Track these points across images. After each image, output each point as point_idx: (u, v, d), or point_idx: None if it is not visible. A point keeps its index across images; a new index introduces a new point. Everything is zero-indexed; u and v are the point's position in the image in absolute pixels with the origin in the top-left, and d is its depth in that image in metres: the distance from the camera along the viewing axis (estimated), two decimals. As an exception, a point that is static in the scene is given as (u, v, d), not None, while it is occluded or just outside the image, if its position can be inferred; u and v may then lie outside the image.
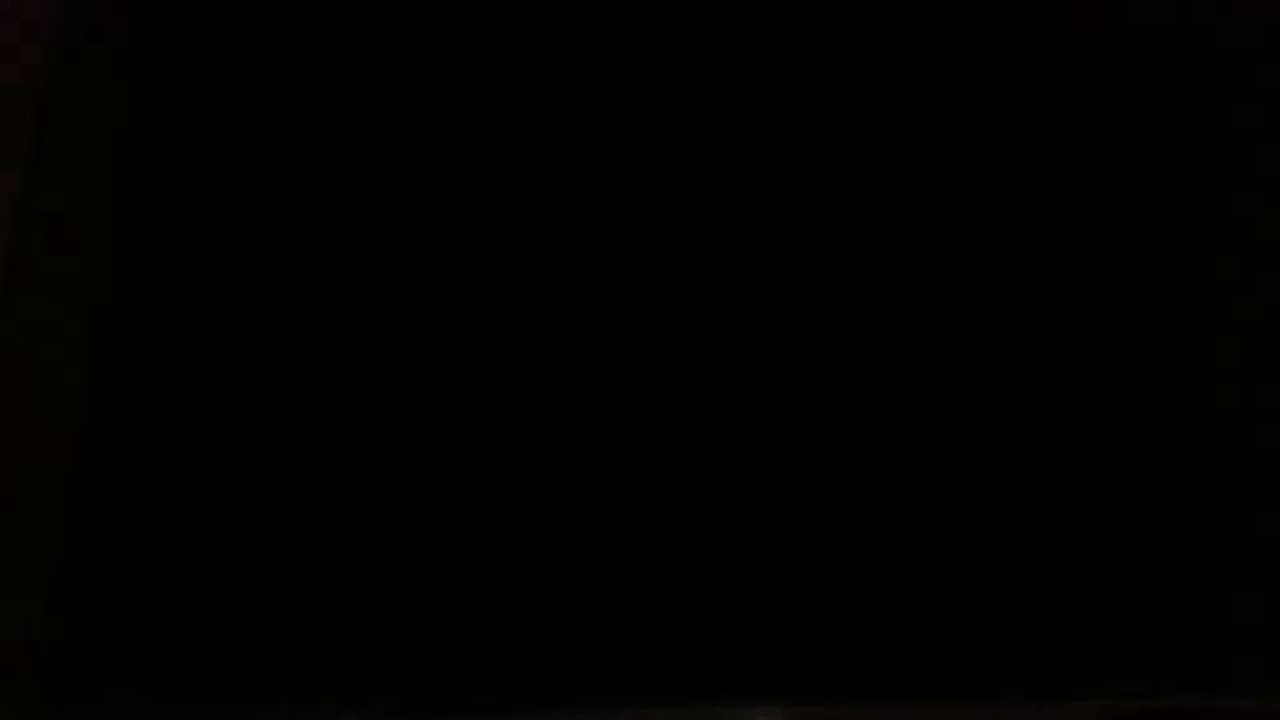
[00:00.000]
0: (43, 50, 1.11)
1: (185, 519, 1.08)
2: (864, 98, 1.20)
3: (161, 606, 1.06)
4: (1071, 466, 1.14)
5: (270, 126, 1.15)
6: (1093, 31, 1.21)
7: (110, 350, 1.11)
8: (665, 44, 1.20)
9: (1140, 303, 1.18)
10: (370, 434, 1.11)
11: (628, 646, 1.09)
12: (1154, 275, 1.18)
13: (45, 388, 1.09)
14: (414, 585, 1.08)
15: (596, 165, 1.18)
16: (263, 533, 1.08)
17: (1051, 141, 1.20)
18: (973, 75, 1.21)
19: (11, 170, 1.09)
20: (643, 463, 1.12)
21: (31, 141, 1.10)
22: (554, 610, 1.09)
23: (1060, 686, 1.09)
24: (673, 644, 1.09)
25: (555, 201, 1.17)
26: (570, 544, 1.10)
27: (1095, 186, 1.20)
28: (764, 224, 1.18)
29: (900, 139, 1.20)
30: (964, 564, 1.11)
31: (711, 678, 1.09)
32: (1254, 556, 1.12)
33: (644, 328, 1.15)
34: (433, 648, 1.07)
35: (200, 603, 1.06)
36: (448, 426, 1.12)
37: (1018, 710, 1.07)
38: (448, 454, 1.11)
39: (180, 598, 1.06)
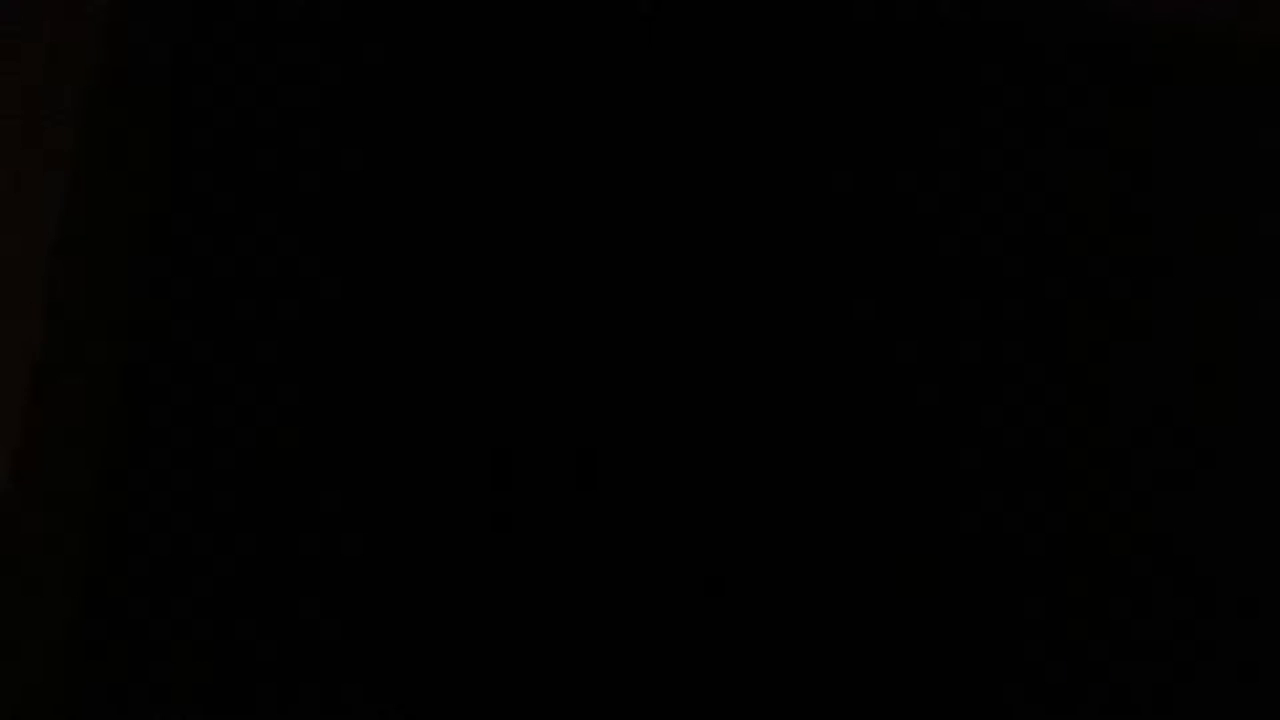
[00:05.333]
0: (93, 51, 1.12)
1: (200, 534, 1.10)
2: (864, 101, 1.20)
3: (163, 615, 1.08)
4: (1079, 477, 1.14)
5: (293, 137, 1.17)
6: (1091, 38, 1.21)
7: (147, 356, 1.13)
8: (666, 52, 1.21)
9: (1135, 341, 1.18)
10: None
11: (626, 661, 1.10)
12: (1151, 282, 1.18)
13: (83, 398, 1.11)
14: (411, 594, 1.10)
15: (600, 171, 1.19)
16: (267, 542, 1.10)
17: (1052, 149, 1.20)
18: (971, 81, 1.20)
19: (57, 170, 1.11)
20: (641, 466, 1.13)
21: (78, 142, 1.11)
22: (550, 621, 1.10)
23: (1061, 707, 1.09)
24: (672, 656, 1.10)
25: (564, 212, 1.18)
26: (568, 547, 1.11)
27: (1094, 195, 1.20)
28: (764, 225, 1.19)
29: (901, 140, 1.20)
30: (967, 576, 1.12)
31: (709, 693, 1.10)
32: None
33: (635, 334, 1.16)
34: (433, 661, 1.08)
35: (206, 619, 1.08)
36: (445, 435, 1.13)
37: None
38: (446, 460, 1.13)
39: (192, 615, 1.08)
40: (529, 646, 1.10)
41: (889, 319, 1.16)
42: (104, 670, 1.08)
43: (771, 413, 1.15)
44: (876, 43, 1.21)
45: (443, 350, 1.15)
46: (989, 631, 1.11)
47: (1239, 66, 1.18)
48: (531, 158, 1.18)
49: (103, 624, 1.09)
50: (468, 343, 1.15)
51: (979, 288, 1.17)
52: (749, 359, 1.16)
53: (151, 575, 1.10)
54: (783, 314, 1.16)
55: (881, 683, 1.11)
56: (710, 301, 1.17)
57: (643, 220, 1.18)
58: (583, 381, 1.15)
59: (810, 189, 1.19)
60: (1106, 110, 1.19)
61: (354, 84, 1.18)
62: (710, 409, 1.15)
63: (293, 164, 1.17)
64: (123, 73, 1.15)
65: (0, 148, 1.09)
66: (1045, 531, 1.13)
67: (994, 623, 1.11)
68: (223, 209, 1.16)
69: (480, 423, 1.14)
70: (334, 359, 1.14)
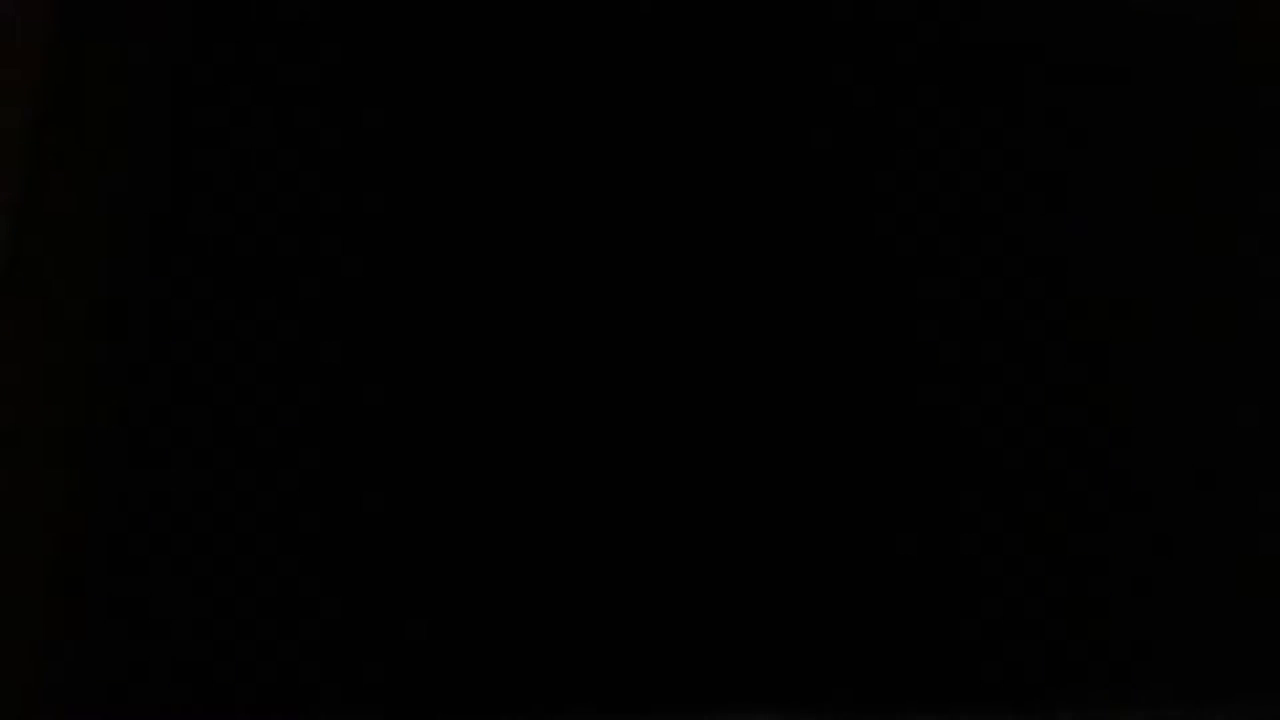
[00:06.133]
0: (43, 50, 1.12)
1: (186, 526, 1.08)
2: (865, 97, 1.21)
3: (162, 615, 1.06)
4: (1079, 477, 1.14)
5: (273, 126, 1.17)
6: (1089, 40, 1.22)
7: (112, 350, 1.12)
8: (665, 45, 1.21)
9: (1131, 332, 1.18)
10: (368, 446, 1.11)
11: (626, 656, 1.08)
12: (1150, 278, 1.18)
13: (46, 388, 1.09)
14: (411, 593, 1.08)
15: (598, 167, 1.19)
16: (261, 539, 1.08)
17: (1052, 144, 1.21)
18: (972, 77, 1.21)
19: (12, 169, 1.10)
20: (641, 466, 1.12)
21: (31, 138, 1.11)
22: (551, 619, 1.09)
23: (1062, 701, 1.08)
24: (672, 654, 1.09)
25: (560, 204, 1.18)
26: (568, 549, 1.10)
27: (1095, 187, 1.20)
28: (763, 219, 1.19)
29: (899, 136, 1.20)
30: (968, 575, 1.11)
31: (712, 688, 1.08)
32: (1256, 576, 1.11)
33: (635, 334, 1.16)
34: (429, 656, 1.07)
35: (201, 612, 1.06)
36: (445, 433, 1.12)
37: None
38: (446, 459, 1.12)
39: (182, 608, 1.07)
40: (527, 656, 1.09)
41: (884, 331, 1.17)
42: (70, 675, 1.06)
43: (772, 417, 1.15)
44: (876, 39, 1.22)
45: (437, 347, 1.14)
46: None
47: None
48: (530, 161, 1.18)
49: (67, 632, 1.07)
50: (458, 336, 1.15)
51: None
52: (749, 362, 1.16)
53: (124, 577, 1.08)
54: (777, 318, 1.17)
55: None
56: (705, 301, 1.17)
57: (641, 217, 1.18)
58: (577, 388, 1.14)
59: (808, 186, 1.19)
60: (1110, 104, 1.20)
61: (320, 73, 1.18)
62: (709, 413, 1.15)
63: (264, 151, 1.16)
64: (78, 62, 1.14)
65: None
66: (1047, 544, 1.12)
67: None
68: (189, 199, 1.15)
69: (476, 429, 1.13)
70: (312, 354, 1.13)
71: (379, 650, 1.07)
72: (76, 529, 1.07)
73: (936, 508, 1.13)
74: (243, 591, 1.07)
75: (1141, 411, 1.15)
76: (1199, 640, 1.10)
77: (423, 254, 1.16)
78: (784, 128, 1.20)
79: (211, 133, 1.16)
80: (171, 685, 1.05)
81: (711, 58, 1.21)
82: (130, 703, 1.05)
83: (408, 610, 1.08)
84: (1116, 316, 1.16)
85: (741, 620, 1.10)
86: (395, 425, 1.12)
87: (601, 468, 1.12)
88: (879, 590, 1.11)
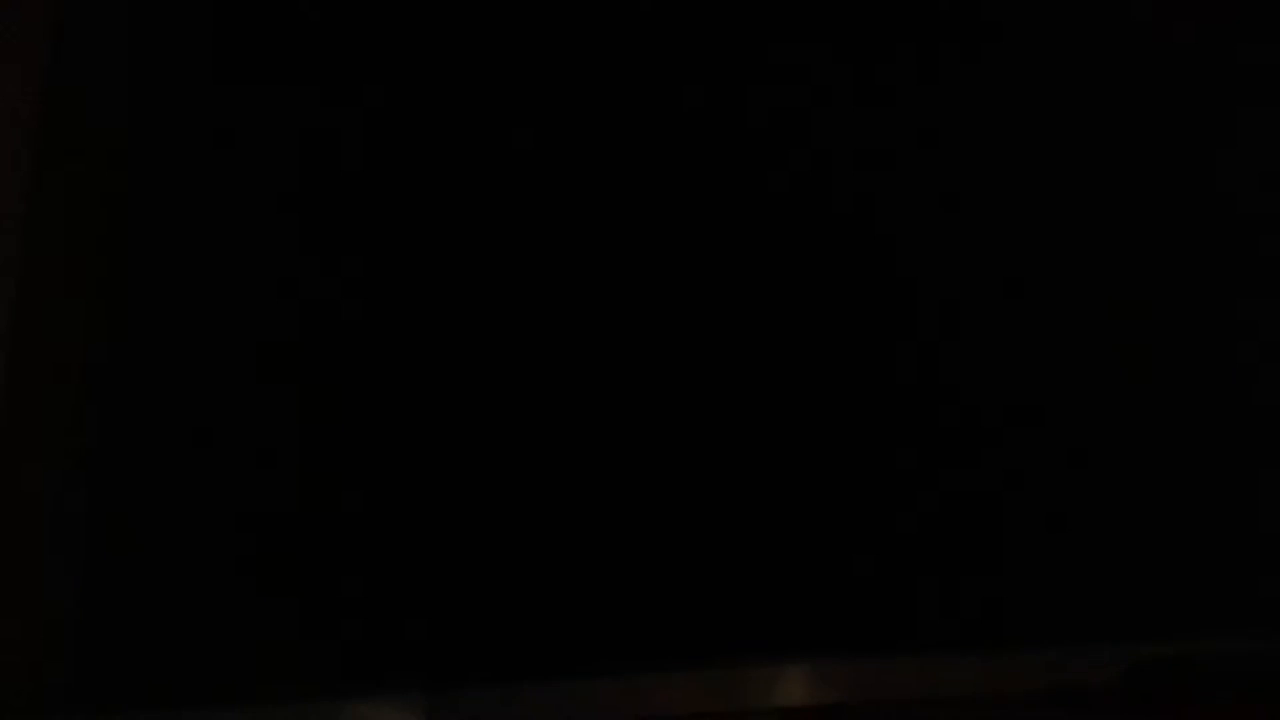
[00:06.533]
0: (43, 50, 1.11)
1: (197, 511, 1.09)
2: (864, 94, 1.21)
3: (178, 598, 1.07)
4: (1079, 417, 1.16)
5: (270, 130, 1.16)
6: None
7: (115, 348, 1.12)
8: (665, 43, 1.21)
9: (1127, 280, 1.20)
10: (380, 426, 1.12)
11: (652, 609, 1.10)
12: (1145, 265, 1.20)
13: (53, 388, 1.10)
14: (434, 553, 1.10)
15: (597, 164, 1.19)
16: (272, 523, 1.09)
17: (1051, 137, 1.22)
18: (972, 72, 1.22)
19: (15, 172, 1.09)
20: (663, 423, 1.14)
21: (34, 141, 1.10)
22: (579, 573, 1.10)
23: (1077, 636, 1.10)
24: (699, 605, 1.10)
25: (558, 197, 1.18)
26: (593, 505, 1.11)
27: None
28: (762, 210, 1.20)
29: (899, 133, 1.21)
30: (982, 518, 1.13)
31: (738, 637, 1.10)
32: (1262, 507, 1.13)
33: (647, 304, 1.17)
34: (456, 614, 1.08)
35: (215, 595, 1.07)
36: (459, 403, 1.13)
37: (1038, 659, 1.09)
38: (465, 426, 1.13)
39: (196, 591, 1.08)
40: (553, 611, 1.10)
41: (885, 302, 1.18)
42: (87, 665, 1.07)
43: (787, 374, 1.16)
44: (877, 40, 1.22)
45: (447, 336, 1.15)
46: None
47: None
48: (529, 158, 1.19)
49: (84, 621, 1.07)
50: (471, 326, 1.16)
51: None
52: (754, 331, 1.17)
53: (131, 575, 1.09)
54: (780, 287, 1.18)
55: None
56: (705, 272, 1.18)
57: (640, 212, 1.19)
58: (591, 349, 1.15)
59: (806, 181, 1.20)
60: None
61: (321, 73, 1.18)
62: (727, 370, 1.16)
63: (264, 151, 1.16)
64: (78, 82, 1.13)
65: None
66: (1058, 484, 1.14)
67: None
68: (189, 199, 1.15)
69: (488, 394, 1.14)
70: (311, 349, 1.14)
71: (403, 625, 1.09)
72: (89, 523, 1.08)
73: (949, 458, 1.15)
74: (247, 566, 1.08)
75: (1141, 363, 1.17)
76: (1211, 588, 1.12)
77: (422, 254, 1.16)
78: (782, 123, 1.21)
79: (211, 132, 1.16)
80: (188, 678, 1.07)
81: (710, 56, 1.22)
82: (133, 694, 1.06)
83: (430, 575, 1.10)
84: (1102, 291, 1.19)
85: (765, 569, 1.12)
86: (394, 419, 1.13)
87: (621, 422, 1.14)
88: (896, 536, 1.13)
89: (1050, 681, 1.07)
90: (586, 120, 1.19)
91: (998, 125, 1.21)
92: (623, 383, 1.14)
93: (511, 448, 1.12)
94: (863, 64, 1.21)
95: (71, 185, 1.13)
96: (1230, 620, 1.10)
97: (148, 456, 1.09)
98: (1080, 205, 1.20)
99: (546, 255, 1.16)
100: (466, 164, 1.18)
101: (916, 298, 1.18)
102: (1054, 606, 1.11)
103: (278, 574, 1.07)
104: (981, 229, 1.19)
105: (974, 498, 1.13)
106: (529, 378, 1.14)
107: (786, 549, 1.12)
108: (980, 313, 1.18)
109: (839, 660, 1.10)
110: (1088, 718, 1.06)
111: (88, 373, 1.10)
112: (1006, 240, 1.19)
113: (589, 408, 1.13)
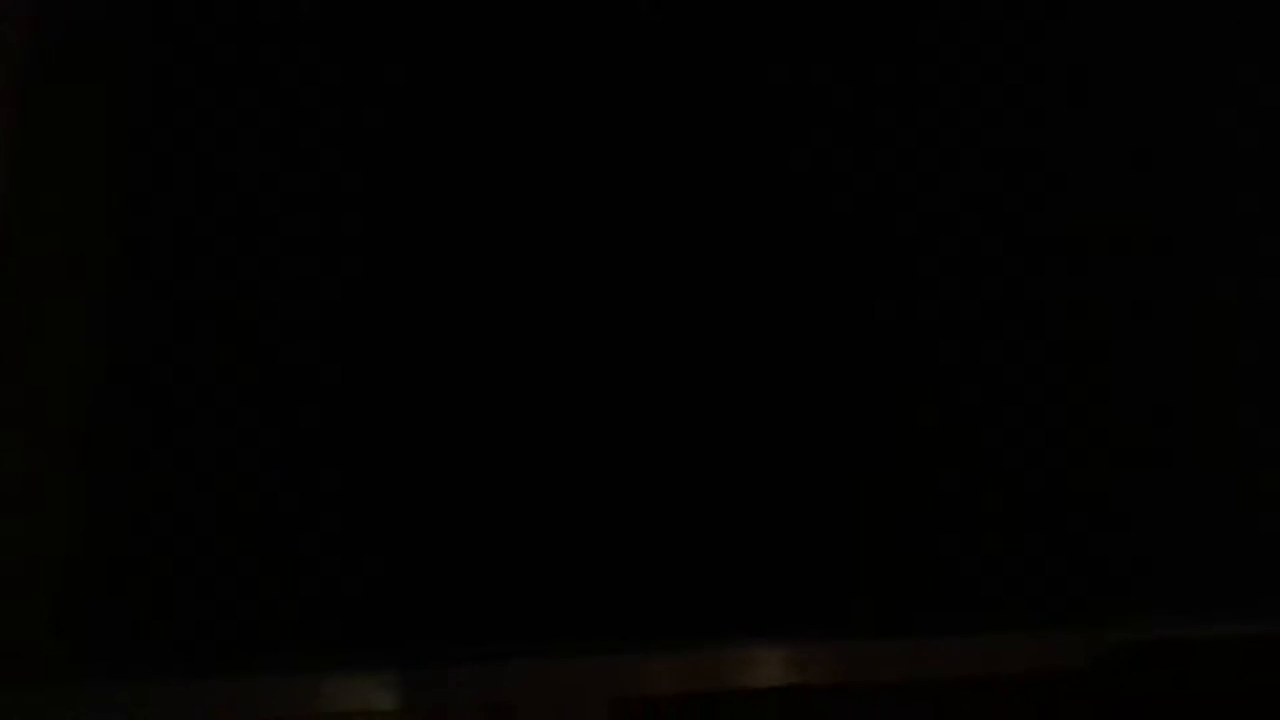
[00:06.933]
0: (29, 48, 1.10)
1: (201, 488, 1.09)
2: (861, 90, 1.22)
3: (174, 571, 1.07)
4: (1063, 406, 1.17)
5: (265, 123, 1.16)
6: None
7: (111, 328, 1.12)
8: (663, 44, 1.22)
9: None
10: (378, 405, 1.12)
11: (626, 589, 1.11)
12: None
13: (50, 361, 1.09)
14: (418, 531, 1.10)
15: (595, 161, 1.20)
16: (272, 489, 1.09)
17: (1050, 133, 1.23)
18: (971, 70, 1.23)
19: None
20: (644, 406, 1.14)
21: (17, 140, 1.09)
22: (554, 553, 1.11)
23: (1049, 620, 1.12)
24: (672, 586, 1.11)
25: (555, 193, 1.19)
26: (570, 487, 1.12)
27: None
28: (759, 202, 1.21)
29: (897, 131, 1.22)
30: (957, 502, 1.14)
31: (710, 618, 1.11)
32: (1237, 489, 1.15)
33: (622, 290, 1.18)
34: (436, 592, 1.09)
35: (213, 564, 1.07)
36: (443, 386, 1.13)
37: (1009, 642, 1.10)
38: (452, 414, 1.13)
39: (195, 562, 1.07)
40: (529, 590, 1.11)
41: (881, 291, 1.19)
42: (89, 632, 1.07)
43: (769, 361, 1.17)
44: (875, 39, 1.23)
45: (435, 342, 1.15)
46: None
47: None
48: (527, 156, 1.19)
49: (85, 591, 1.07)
50: (455, 335, 1.16)
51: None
52: (747, 314, 1.18)
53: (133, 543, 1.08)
54: (774, 280, 1.19)
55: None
56: (692, 258, 1.18)
57: (637, 204, 1.19)
58: (580, 333, 1.16)
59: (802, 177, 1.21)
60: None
61: (320, 72, 1.18)
62: (711, 356, 1.17)
63: (263, 151, 1.16)
64: (62, 52, 1.13)
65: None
66: (1035, 472, 1.16)
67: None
68: (188, 199, 1.15)
69: (480, 375, 1.14)
70: (310, 346, 1.14)
71: (385, 599, 1.09)
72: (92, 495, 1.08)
73: (927, 441, 1.16)
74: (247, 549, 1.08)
75: (1135, 350, 1.18)
76: (1182, 573, 1.14)
77: (421, 255, 1.16)
78: (779, 121, 1.22)
79: (210, 132, 1.15)
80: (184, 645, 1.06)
81: (710, 56, 1.22)
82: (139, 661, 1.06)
83: (413, 553, 1.10)
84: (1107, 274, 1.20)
85: (738, 551, 1.13)
86: (378, 400, 1.12)
87: (602, 406, 1.14)
88: (870, 519, 1.15)
89: (1024, 666, 1.09)
90: (584, 119, 1.20)
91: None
92: (604, 365, 1.15)
93: (498, 432, 1.13)
94: (858, 64, 1.22)
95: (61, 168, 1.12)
96: (1201, 607, 1.12)
97: (137, 436, 1.09)
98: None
99: (531, 239, 1.17)
100: (466, 163, 1.18)
101: (908, 295, 1.19)
102: (1028, 593, 1.13)
103: (258, 550, 1.07)
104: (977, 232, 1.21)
105: (951, 485, 1.14)
106: (508, 358, 1.14)
107: (766, 532, 1.13)
108: (972, 305, 1.19)
109: (816, 643, 1.11)
110: (1060, 702, 1.08)
111: (84, 349, 1.10)
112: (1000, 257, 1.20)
113: (574, 389, 1.14)
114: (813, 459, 1.15)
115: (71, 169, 1.12)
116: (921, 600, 1.13)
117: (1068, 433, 1.16)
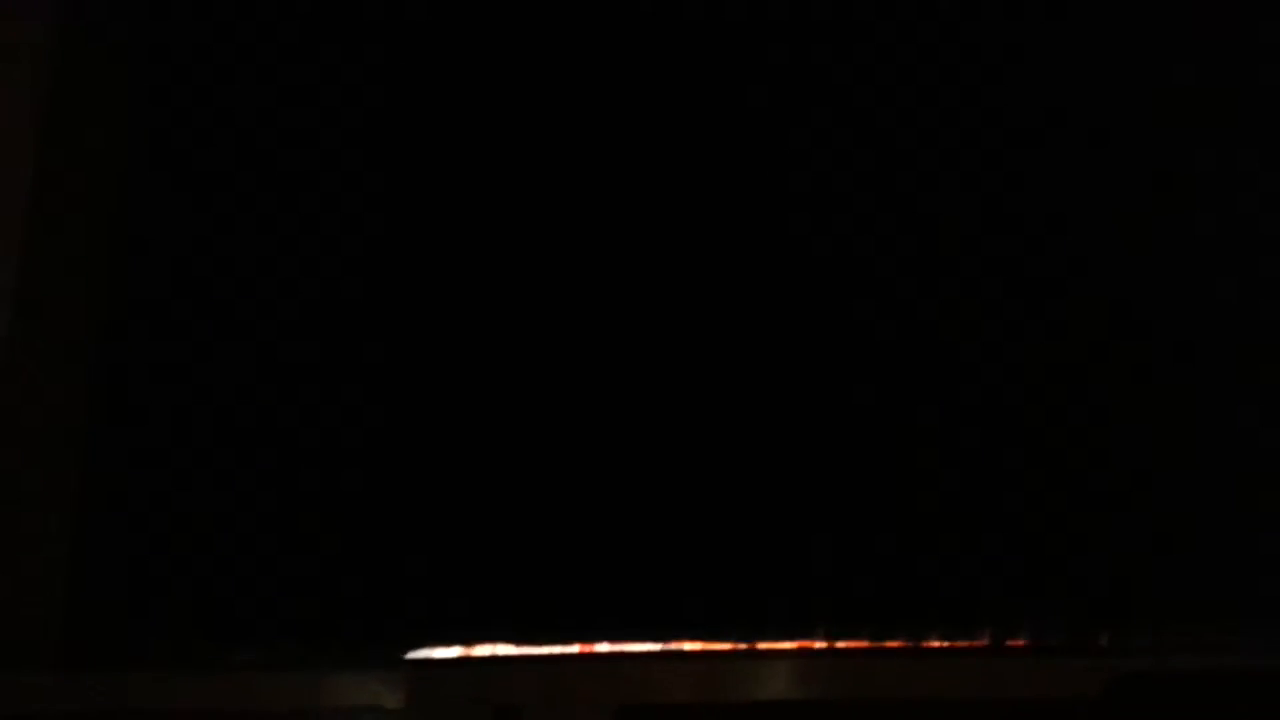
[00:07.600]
0: (45, 51, 1.14)
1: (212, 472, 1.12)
2: (861, 90, 1.21)
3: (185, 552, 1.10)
4: (1078, 426, 1.15)
5: (270, 125, 1.19)
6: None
7: (119, 318, 1.16)
8: (663, 46, 1.22)
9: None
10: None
11: (632, 596, 1.12)
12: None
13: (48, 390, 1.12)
14: (421, 533, 1.12)
15: (596, 163, 1.20)
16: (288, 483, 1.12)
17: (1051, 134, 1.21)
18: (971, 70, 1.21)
19: (20, 169, 1.11)
20: (649, 415, 1.15)
21: (36, 141, 1.12)
22: (586, 547, 1.12)
23: (1063, 647, 1.10)
24: (678, 594, 1.11)
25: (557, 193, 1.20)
26: (576, 494, 1.13)
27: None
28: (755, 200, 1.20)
29: (897, 131, 1.21)
30: (965, 520, 1.12)
31: (718, 628, 1.11)
32: (1251, 522, 1.11)
33: (638, 293, 1.19)
34: (438, 593, 1.11)
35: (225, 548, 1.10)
36: (444, 384, 1.15)
37: (1017, 664, 1.09)
38: (461, 414, 1.15)
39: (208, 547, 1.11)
40: (558, 583, 1.11)
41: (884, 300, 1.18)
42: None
43: (787, 363, 1.16)
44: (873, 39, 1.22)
45: (435, 340, 1.17)
46: None
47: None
48: (529, 158, 1.20)
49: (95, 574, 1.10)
50: (455, 334, 1.17)
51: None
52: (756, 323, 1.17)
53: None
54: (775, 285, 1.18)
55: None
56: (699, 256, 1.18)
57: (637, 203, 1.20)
58: (598, 327, 1.17)
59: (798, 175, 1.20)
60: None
61: (320, 72, 1.20)
62: (734, 354, 1.17)
63: (263, 152, 1.18)
64: (81, 63, 1.16)
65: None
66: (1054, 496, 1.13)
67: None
68: (188, 199, 1.18)
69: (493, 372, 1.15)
70: (310, 345, 1.16)
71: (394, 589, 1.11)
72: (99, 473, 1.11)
73: (949, 458, 1.15)
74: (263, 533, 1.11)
75: (1142, 371, 1.15)
76: (1195, 603, 1.11)
77: (421, 255, 1.18)
78: (779, 122, 1.21)
79: (210, 132, 1.18)
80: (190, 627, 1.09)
81: (709, 56, 1.22)
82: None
83: (431, 548, 1.12)
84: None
85: (772, 550, 1.13)
86: (384, 398, 1.15)
87: (626, 408, 1.16)
88: (892, 533, 1.13)
89: (1035, 692, 1.07)
90: (582, 118, 1.21)
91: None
92: (609, 367, 1.16)
93: (502, 436, 1.14)
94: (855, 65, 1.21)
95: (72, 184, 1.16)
96: (1211, 635, 1.09)
97: (139, 430, 1.13)
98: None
99: (531, 238, 1.18)
100: (466, 163, 1.20)
101: (907, 299, 1.18)
102: (1041, 616, 1.11)
103: (264, 548, 1.11)
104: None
105: (956, 508, 1.13)
106: (511, 361, 1.16)
107: (775, 546, 1.13)
108: (972, 314, 1.17)
109: (821, 657, 1.10)
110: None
111: (86, 348, 1.14)
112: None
113: (575, 387, 1.15)
114: (823, 473, 1.14)
115: (87, 167, 1.16)
116: (935, 617, 1.11)
117: (1082, 457, 1.14)
